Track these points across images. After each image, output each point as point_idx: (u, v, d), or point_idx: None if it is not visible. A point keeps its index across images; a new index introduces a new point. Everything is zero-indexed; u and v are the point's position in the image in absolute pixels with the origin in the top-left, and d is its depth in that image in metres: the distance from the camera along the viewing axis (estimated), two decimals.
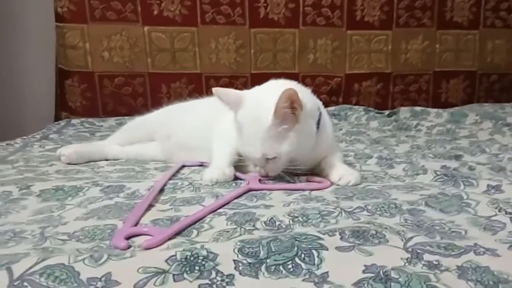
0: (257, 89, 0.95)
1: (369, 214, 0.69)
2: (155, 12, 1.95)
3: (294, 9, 2.07)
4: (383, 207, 0.71)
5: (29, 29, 2.03)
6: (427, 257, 0.52)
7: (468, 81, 2.31)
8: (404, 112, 1.91)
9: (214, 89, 0.92)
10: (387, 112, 2.03)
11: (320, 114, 0.95)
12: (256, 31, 2.05)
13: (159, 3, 1.95)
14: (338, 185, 0.89)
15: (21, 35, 2.04)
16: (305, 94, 0.92)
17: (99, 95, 1.96)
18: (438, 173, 0.93)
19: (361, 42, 2.17)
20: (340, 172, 0.91)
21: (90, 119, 1.84)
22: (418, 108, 1.93)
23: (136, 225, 0.65)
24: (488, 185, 0.81)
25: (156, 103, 1.58)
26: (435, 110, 1.89)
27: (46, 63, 2.02)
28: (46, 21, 1.94)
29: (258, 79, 1.02)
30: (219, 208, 0.73)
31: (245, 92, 0.94)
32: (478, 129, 1.59)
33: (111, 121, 1.82)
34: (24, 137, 1.47)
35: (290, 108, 0.84)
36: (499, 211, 0.68)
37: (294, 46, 2.10)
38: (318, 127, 0.93)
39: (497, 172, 0.99)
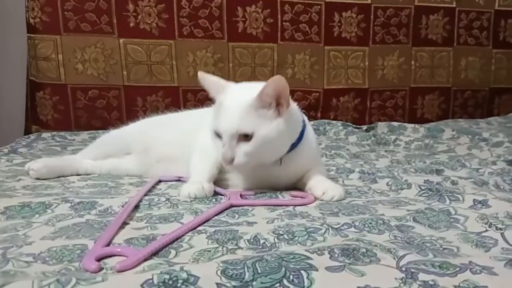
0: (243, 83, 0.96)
1: (357, 230, 0.66)
2: (131, 24, 1.90)
3: (273, 24, 2.07)
4: (370, 223, 0.69)
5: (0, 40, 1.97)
6: (422, 276, 0.49)
7: (443, 97, 2.34)
8: (382, 127, 1.91)
9: (199, 73, 0.92)
10: (365, 127, 2.04)
11: (305, 125, 0.94)
12: (234, 45, 2.03)
13: (136, 15, 1.91)
14: (322, 200, 0.86)
15: None
16: (292, 103, 0.92)
17: (72, 108, 1.89)
18: (423, 187, 0.92)
19: (338, 58, 2.18)
20: (324, 187, 0.89)
21: (62, 133, 1.77)
22: (395, 123, 1.94)
23: (108, 245, 0.60)
24: (474, 200, 0.80)
25: (132, 117, 1.53)
26: (412, 125, 1.90)
27: (17, 75, 1.95)
28: (17, 31, 1.88)
29: None
30: (199, 225, 0.69)
31: (230, 82, 0.94)
32: (455, 144, 1.60)
33: (84, 134, 1.75)
34: None
35: (275, 101, 0.83)
36: (489, 226, 0.67)
37: (273, 61, 2.09)
38: (301, 138, 0.91)
39: (480, 186, 0.98)
